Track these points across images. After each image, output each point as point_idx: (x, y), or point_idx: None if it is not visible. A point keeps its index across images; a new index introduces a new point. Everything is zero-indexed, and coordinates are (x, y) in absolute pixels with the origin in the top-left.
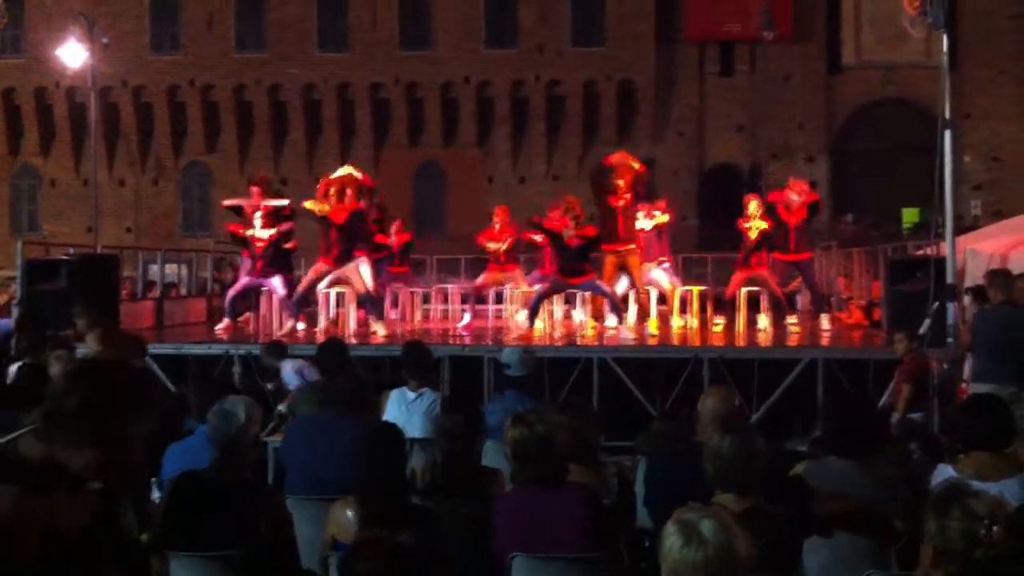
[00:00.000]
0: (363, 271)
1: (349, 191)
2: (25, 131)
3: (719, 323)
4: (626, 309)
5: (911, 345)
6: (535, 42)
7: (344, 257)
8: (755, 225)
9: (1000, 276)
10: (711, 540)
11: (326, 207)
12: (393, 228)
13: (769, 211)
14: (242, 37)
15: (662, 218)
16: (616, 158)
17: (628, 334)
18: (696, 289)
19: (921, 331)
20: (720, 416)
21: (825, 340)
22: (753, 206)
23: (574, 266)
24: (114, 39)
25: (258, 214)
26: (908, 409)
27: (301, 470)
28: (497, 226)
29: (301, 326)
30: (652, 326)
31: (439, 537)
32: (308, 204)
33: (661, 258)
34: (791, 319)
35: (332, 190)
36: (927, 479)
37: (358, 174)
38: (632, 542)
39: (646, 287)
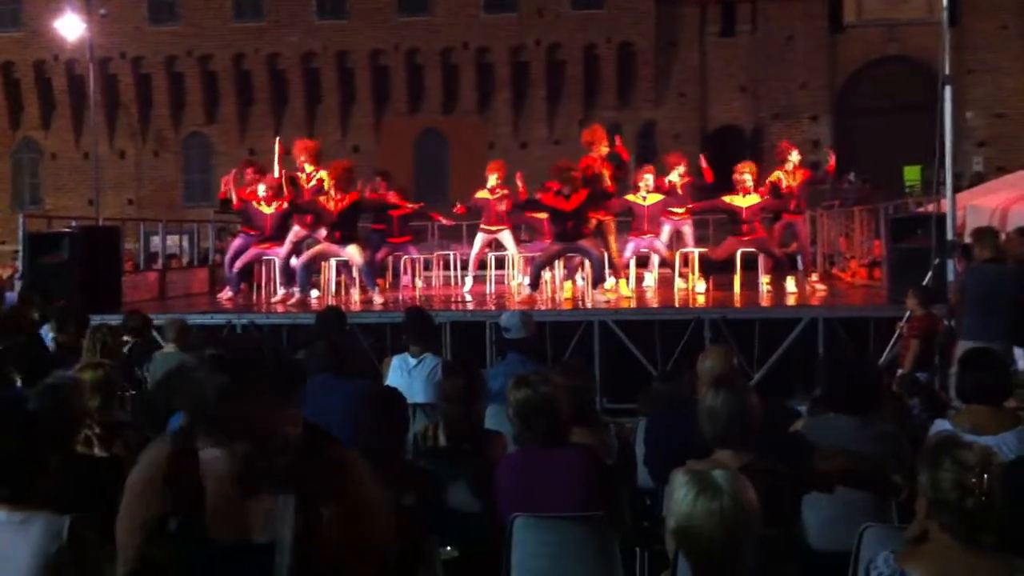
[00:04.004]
0: (352, 251)
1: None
2: (25, 105)
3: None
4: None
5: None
6: (534, 6)
7: (344, 240)
8: (749, 199)
9: (986, 234)
10: (726, 489)
11: (330, 204)
12: (391, 197)
13: (773, 190)
14: (240, 6)
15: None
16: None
17: (600, 297)
18: (697, 251)
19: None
20: (718, 375)
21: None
22: (748, 178)
23: (574, 229)
24: (112, 10)
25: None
26: (915, 366)
27: None
28: (491, 182)
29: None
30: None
31: (442, 499)
32: (321, 198)
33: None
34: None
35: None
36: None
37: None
38: (633, 501)
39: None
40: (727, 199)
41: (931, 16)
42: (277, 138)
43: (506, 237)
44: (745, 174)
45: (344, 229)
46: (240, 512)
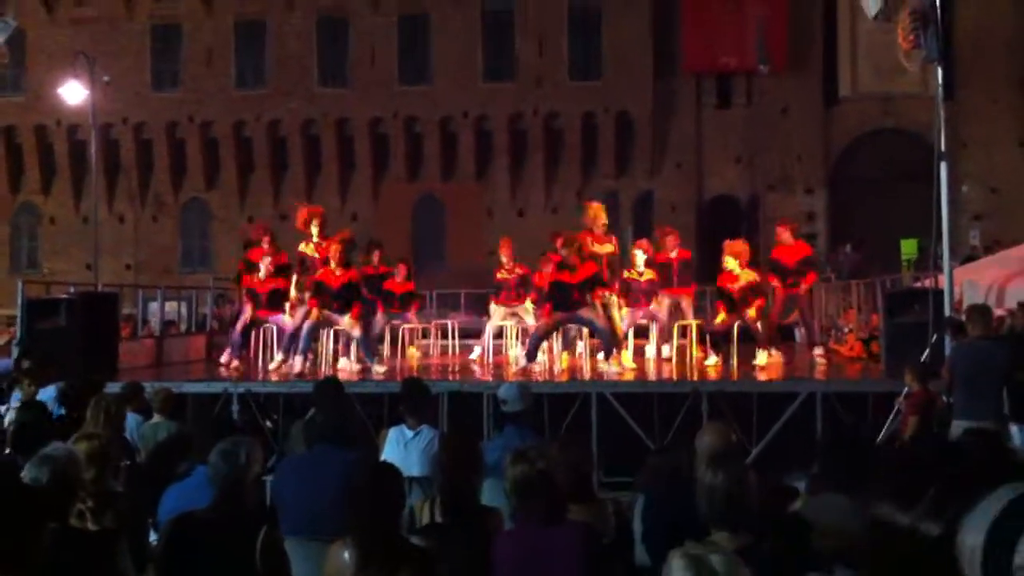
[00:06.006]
0: (348, 322)
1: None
2: (25, 169)
3: (711, 362)
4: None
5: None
6: (533, 75)
7: (341, 310)
8: (743, 277)
9: (977, 311)
10: (721, 573)
11: (333, 270)
12: (398, 274)
13: (773, 266)
14: (242, 73)
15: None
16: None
17: (609, 368)
18: (695, 323)
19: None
20: (716, 453)
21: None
22: (732, 262)
23: (578, 299)
24: (114, 77)
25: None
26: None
27: (293, 510)
28: (504, 260)
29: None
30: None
31: None
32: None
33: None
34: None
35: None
36: None
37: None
38: None
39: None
40: (720, 286)
41: (925, 90)
42: (306, 210)
43: (525, 311)
44: (728, 258)
45: (342, 300)
46: None
